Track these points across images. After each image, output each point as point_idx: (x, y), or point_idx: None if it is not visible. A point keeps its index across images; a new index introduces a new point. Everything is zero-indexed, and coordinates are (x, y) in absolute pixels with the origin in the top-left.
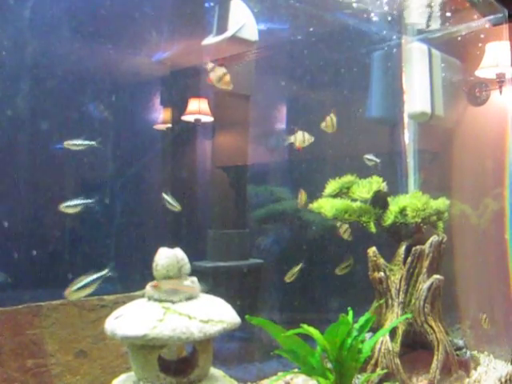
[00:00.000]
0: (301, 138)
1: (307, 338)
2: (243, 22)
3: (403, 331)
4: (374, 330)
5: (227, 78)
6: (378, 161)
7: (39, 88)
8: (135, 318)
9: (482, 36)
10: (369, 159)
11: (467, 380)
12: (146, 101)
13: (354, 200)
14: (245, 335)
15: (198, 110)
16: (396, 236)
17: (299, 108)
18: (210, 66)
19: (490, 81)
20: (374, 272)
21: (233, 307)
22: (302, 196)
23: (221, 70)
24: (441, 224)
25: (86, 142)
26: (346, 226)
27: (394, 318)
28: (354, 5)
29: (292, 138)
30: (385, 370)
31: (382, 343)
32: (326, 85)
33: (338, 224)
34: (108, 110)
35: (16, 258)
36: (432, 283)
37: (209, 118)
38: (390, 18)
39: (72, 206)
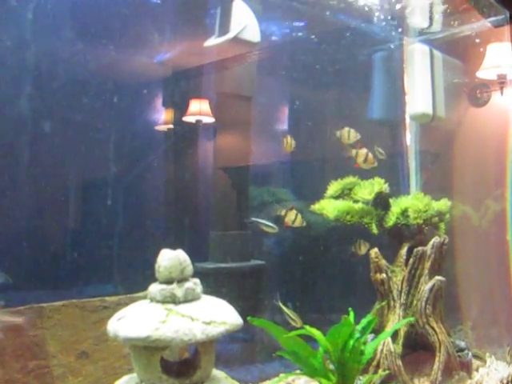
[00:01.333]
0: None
1: (309, 339)
2: (245, 23)
3: (405, 333)
4: (376, 331)
5: (370, 156)
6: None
7: (41, 89)
8: (138, 319)
9: (484, 37)
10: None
11: (469, 381)
12: (147, 102)
13: (356, 201)
14: (247, 336)
15: (198, 111)
16: (398, 237)
17: (301, 109)
18: (353, 152)
19: (491, 82)
20: (375, 273)
21: (235, 309)
22: (290, 214)
23: (363, 152)
24: (442, 225)
25: None
26: (361, 240)
27: (396, 320)
28: (356, 6)
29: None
30: (386, 372)
31: (384, 345)
32: (328, 86)
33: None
34: (110, 111)
35: (18, 259)
36: (434, 284)
37: (210, 119)
38: (391, 19)
39: None
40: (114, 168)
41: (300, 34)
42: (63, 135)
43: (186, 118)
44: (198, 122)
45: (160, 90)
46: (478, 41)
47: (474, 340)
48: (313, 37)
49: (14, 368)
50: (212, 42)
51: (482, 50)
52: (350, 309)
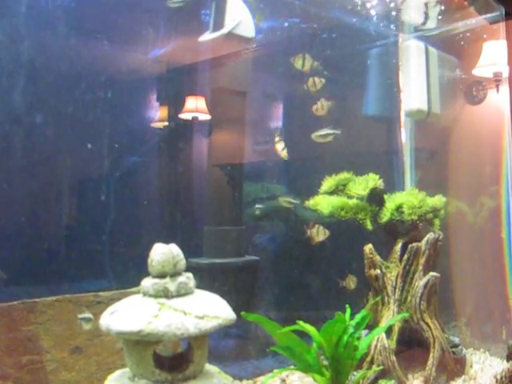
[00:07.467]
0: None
1: (303, 334)
2: (240, 18)
3: (399, 328)
4: (370, 327)
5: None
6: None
7: (34, 84)
8: (130, 313)
9: (480, 34)
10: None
11: (463, 377)
12: (141, 98)
13: (351, 197)
14: (241, 332)
15: (195, 108)
16: (392, 233)
17: (296, 105)
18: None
19: (487, 79)
20: (370, 269)
21: (228, 304)
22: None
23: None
24: (437, 221)
25: None
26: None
27: (390, 316)
28: (351, 2)
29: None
30: (381, 367)
31: (378, 340)
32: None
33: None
34: (103, 107)
35: (11, 254)
36: (428, 280)
37: (206, 116)
38: (386, 16)
39: None
40: (108, 163)
41: (294, 29)
42: (57, 131)
43: (183, 115)
44: (194, 118)
45: (154, 86)
46: (473, 37)
47: (468, 336)
48: (307, 32)
49: (7, 363)
50: (206, 37)
51: (477, 46)
52: (347, 305)
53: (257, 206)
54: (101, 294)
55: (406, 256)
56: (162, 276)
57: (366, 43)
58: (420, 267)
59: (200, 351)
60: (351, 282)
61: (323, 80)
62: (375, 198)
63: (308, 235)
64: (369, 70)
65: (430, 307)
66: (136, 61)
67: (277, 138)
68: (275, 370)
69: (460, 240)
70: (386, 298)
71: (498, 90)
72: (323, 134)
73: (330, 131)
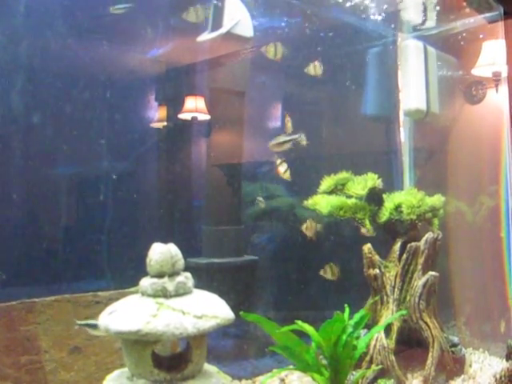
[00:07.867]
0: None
1: (302, 334)
2: (238, 18)
3: (398, 328)
4: (369, 326)
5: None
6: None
7: (33, 84)
8: (129, 313)
9: (478, 34)
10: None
11: (462, 376)
12: (140, 98)
13: (349, 197)
14: (239, 332)
15: (194, 108)
16: (391, 233)
17: (294, 104)
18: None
19: (486, 79)
20: (369, 269)
21: (227, 304)
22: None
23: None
24: (436, 221)
25: None
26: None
27: (389, 315)
28: (350, 2)
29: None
30: (380, 367)
31: (377, 340)
32: (322, 82)
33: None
34: (103, 107)
35: (10, 255)
36: (427, 280)
37: (205, 116)
38: (385, 15)
39: None
40: (107, 163)
41: (293, 29)
42: (56, 131)
43: (182, 115)
44: (193, 118)
45: (153, 86)
46: (472, 37)
47: (468, 335)
48: (306, 32)
49: (6, 363)
50: (205, 37)
51: (476, 46)
52: (346, 305)
53: (258, 198)
54: (99, 293)
55: (404, 255)
56: (160, 276)
57: (365, 43)
58: (419, 267)
59: (199, 351)
60: (330, 272)
61: (321, 66)
62: (374, 198)
63: (303, 229)
64: (367, 70)
65: (429, 307)
66: (135, 61)
67: (278, 160)
68: (274, 370)
69: (459, 239)
70: (385, 298)
71: (497, 90)
72: (280, 143)
73: (287, 138)
